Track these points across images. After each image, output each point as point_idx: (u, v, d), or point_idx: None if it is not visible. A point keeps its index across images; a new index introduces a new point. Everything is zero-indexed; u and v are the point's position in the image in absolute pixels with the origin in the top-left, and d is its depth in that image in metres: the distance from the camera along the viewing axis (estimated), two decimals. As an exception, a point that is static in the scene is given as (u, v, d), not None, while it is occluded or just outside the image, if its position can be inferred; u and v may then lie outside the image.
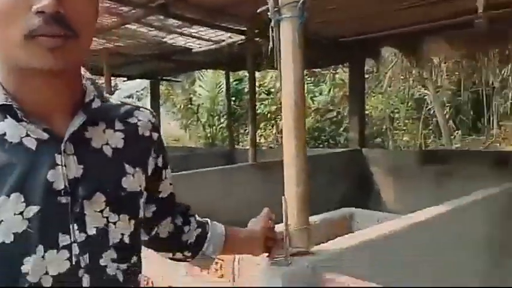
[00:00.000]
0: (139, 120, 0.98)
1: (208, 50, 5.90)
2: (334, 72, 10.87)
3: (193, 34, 5.41)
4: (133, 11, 4.32)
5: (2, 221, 0.77)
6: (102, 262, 0.85)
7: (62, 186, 0.82)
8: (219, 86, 12.32)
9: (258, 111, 10.02)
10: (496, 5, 3.72)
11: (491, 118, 10.12)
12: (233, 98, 10.59)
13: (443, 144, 9.96)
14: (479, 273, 2.46)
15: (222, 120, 12.75)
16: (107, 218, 0.86)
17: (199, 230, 1.17)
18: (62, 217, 0.81)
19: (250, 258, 1.64)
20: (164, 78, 9.23)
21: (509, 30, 4.61)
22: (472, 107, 10.55)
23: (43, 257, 0.79)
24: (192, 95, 13.84)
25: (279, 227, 1.98)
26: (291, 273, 1.53)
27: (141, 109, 1.01)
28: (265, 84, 12.03)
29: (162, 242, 1.13)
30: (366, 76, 7.83)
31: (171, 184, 1.09)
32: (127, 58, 6.44)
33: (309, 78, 10.89)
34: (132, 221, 0.91)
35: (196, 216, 1.20)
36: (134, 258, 0.92)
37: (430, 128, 10.76)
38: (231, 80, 8.48)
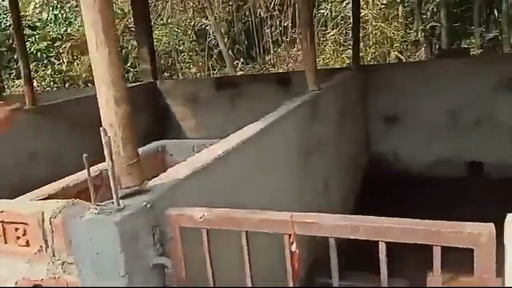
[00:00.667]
0: None
1: None
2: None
3: None
4: None
5: None
6: None
7: None
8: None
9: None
10: None
11: (261, 45, 11.01)
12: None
13: (228, 72, 10.46)
14: (297, 172, 2.61)
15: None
16: None
17: None
18: None
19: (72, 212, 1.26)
20: None
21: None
22: (246, 36, 11.25)
23: None
24: None
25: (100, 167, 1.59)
26: (126, 219, 1.23)
27: None
28: (28, 15, 10.19)
29: None
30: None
31: None
32: None
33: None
34: None
35: None
36: None
37: (214, 57, 11.10)
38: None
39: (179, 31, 10.98)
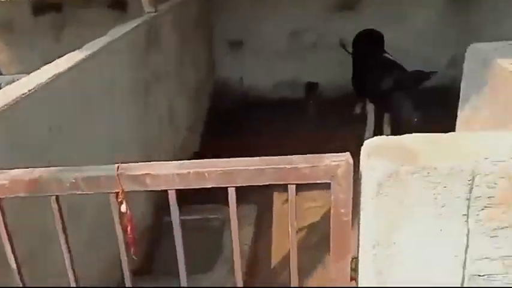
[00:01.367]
0: None
1: None
2: None
3: None
4: None
5: None
6: None
7: None
8: None
9: None
10: None
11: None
12: None
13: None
14: (136, 107, 2.29)
15: None
16: None
17: None
18: None
19: None
20: None
21: None
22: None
23: None
24: None
25: None
26: None
27: None
28: None
29: None
30: None
31: None
32: None
33: None
34: None
35: None
36: None
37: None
38: None
39: None
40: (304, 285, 2.40)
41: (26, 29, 4.57)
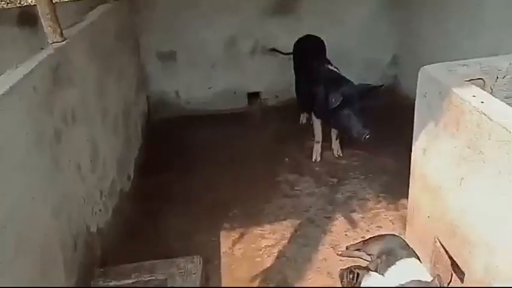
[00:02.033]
0: None
1: None
2: None
3: None
4: None
5: None
6: None
7: None
8: None
9: None
10: None
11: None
12: None
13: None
14: (46, 158, 1.89)
15: None
16: None
17: None
18: None
19: None
20: None
21: None
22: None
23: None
24: None
25: None
26: None
27: None
28: None
29: None
30: None
31: None
32: None
33: None
34: None
35: None
36: None
37: None
38: None
39: None
40: None
41: None
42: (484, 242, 1.62)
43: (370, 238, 2.44)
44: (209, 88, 4.50)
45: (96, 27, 2.85)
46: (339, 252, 2.51)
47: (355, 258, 2.46)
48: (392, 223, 2.73)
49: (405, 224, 2.66)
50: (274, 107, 4.53)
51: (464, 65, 2.00)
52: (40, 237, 1.78)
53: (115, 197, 2.87)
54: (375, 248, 2.33)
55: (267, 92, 4.56)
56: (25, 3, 7.35)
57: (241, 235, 2.76)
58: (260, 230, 2.80)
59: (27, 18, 3.97)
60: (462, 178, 1.72)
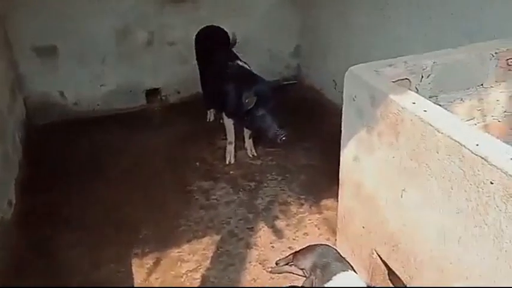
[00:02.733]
0: None
1: None
2: None
3: None
4: None
5: None
6: None
7: None
8: None
9: None
10: None
11: None
12: None
13: None
14: None
15: None
16: None
17: None
18: None
19: None
20: None
21: None
22: None
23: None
24: None
25: None
26: None
27: None
28: None
29: None
30: None
31: None
32: None
33: None
34: None
35: None
36: None
37: None
38: None
39: None
40: None
41: None
42: (431, 259, 1.52)
43: (300, 250, 2.28)
44: (100, 86, 3.96)
45: None
46: (269, 269, 2.31)
47: (286, 274, 2.29)
48: (318, 228, 2.61)
49: (331, 228, 2.56)
50: (176, 104, 4.16)
51: (390, 65, 1.89)
52: None
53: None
54: (307, 262, 2.17)
55: (167, 88, 4.17)
56: None
57: (157, 261, 2.42)
58: (178, 252, 2.49)
59: None
60: (403, 190, 1.61)
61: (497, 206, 1.20)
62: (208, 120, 3.84)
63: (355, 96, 1.86)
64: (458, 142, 1.31)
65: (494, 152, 1.23)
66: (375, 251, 1.89)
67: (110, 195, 2.94)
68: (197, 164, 3.29)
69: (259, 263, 2.37)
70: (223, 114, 3.20)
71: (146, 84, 4.09)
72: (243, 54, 3.34)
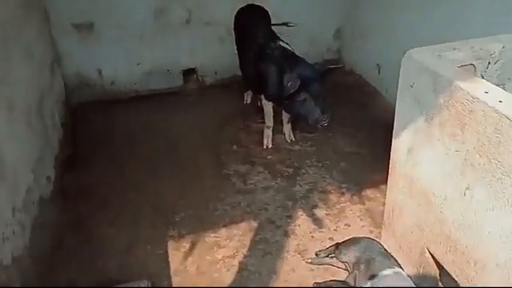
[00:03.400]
0: None
1: None
2: None
3: None
4: None
5: None
6: None
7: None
8: None
9: None
10: None
11: None
12: None
13: None
14: None
15: None
16: None
17: None
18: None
19: None
20: None
21: None
22: None
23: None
24: None
25: None
26: None
27: None
28: None
29: None
30: None
31: None
32: None
33: None
34: None
35: None
36: None
37: None
38: None
39: None
40: None
41: None
42: (497, 265, 1.40)
43: (342, 242, 2.18)
44: (137, 65, 3.91)
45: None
46: (308, 260, 2.23)
47: (327, 266, 2.20)
48: (361, 219, 2.50)
49: (374, 220, 2.45)
50: (213, 86, 4.08)
51: (454, 49, 1.73)
52: None
53: (32, 209, 2.32)
54: (350, 255, 2.07)
55: (204, 69, 4.08)
56: None
57: (193, 245, 2.38)
58: (214, 236, 2.43)
59: None
60: (467, 188, 1.48)
61: None
62: (245, 102, 3.75)
63: (413, 83, 1.71)
64: (541, 138, 1.17)
65: None
66: (428, 249, 1.77)
67: (146, 176, 2.91)
68: (234, 147, 3.21)
69: (298, 253, 2.30)
70: (262, 97, 3.09)
71: (183, 64, 4.01)
72: (281, 36, 3.21)
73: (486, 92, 1.39)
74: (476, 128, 1.39)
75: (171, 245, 2.39)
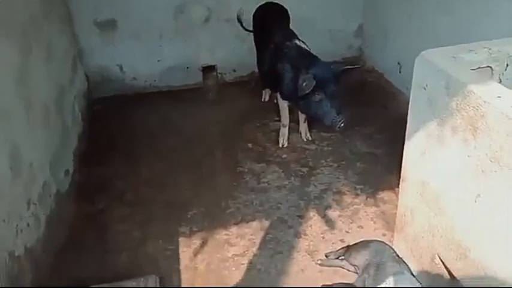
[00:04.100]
0: None
1: None
2: None
3: None
4: None
5: None
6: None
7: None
8: None
9: None
10: None
11: None
12: None
13: None
14: None
15: None
16: None
17: None
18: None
19: None
20: None
21: None
22: None
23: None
24: None
25: None
26: None
27: None
28: None
29: None
30: None
31: None
32: None
33: None
34: None
35: None
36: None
37: None
38: None
39: None
40: None
41: None
42: (507, 275, 1.35)
43: (353, 245, 2.15)
44: (158, 61, 3.96)
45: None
46: (318, 262, 2.21)
47: (336, 268, 2.17)
48: (374, 222, 2.46)
49: (388, 224, 2.41)
50: (232, 83, 4.09)
51: (470, 51, 1.68)
52: None
53: (49, 202, 2.38)
54: (360, 258, 2.04)
55: (223, 66, 4.09)
56: None
57: (204, 242, 2.39)
58: (225, 234, 2.44)
59: None
60: (478, 195, 1.43)
61: None
62: (263, 100, 3.74)
63: (427, 85, 1.67)
64: (554, 146, 1.12)
65: None
66: (438, 256, 1.73)
67: (162, 172, 2.94)
68: (249, 145, 3.21)
69: (308, 254, 2.28)
70: (278, 96, 3.08)
71: (202, 61, 4.03)
72: (302, 34, 3.18)
73: (499, 97, 1.33)
74: (488, 133, 1.34)
75: (182, 241, 2.41)
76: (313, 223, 2.48)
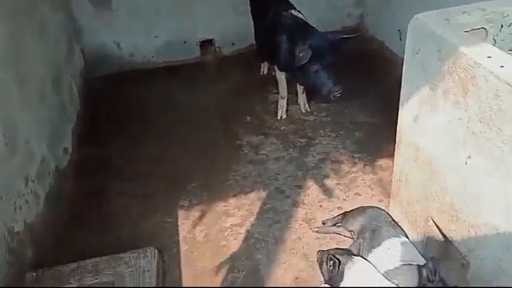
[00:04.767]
0: None
1: None
2: None
3: None
4: None
5: None
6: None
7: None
8: None
9: None
10: None
11: None
12: None
13: None
14: None
15: None
16: None
17: None
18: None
19: None
20: None
21: None
22: None
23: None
24: None
25: None
26: None
27: None
28: None
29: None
30: None
31: None
32: None
33: None
34: None
35: None
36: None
37: None
38: None
39: None
40: None
41: None
42: (496, 234, 1.36)
43: (349, 211, 2.17)
44: (155, 37, 3.92)
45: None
46: (315, 229, 2.24)
47: (333, 235, 2.20)
48: (371, 189, 2.47)
49: (385, 190, 2.42)
50: (230, 57, 4.04)
51: (464, 12, 1.64)
52: None
53: (47, 179, 2.41)
54: (356, 223, 2.06)
55: (221, 40, 4.04)
56: None
57: (203, 214, 2.42)
58: (224, 205, 2.47)
59: None
60: (469, 157, 1.43)
61: None
62: (261, 73, 3.71)
63: (419, 49, 1.64)
64: (541, 103, 1.10)
65: None
66: (432, 219, 1.74)
67: (161, 147, 2.96)
68: (248, 118, 3.21)
69: (306, 222, 2.30)
70: (276, 68, 3.05)
71: (200, 35, 3.99)
72: (301, 4, 3.12)
73: (489, 57, 1.32)
74: (478, 94, 1.33)
75: (181, 214, 2.44)
76: (311, 192, 2.50)
